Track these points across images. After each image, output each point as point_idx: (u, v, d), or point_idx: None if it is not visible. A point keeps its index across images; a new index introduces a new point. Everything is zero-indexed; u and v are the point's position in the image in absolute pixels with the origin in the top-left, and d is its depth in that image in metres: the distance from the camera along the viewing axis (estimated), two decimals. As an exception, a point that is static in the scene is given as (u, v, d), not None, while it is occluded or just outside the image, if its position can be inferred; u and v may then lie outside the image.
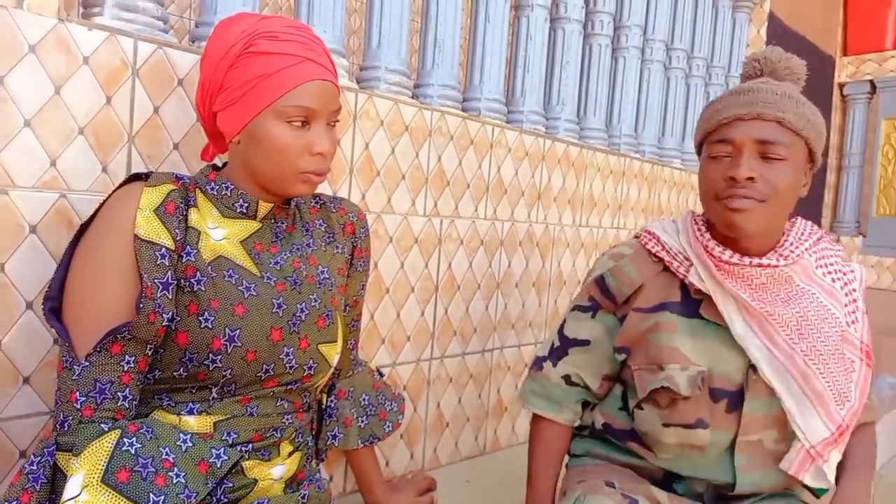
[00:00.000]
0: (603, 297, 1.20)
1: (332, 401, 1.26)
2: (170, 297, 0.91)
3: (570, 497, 1.09)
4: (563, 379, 1.23)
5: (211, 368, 0.94)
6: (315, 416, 1.21)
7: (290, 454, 1.05)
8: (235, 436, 0.97)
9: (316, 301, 1.05)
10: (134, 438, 0.81)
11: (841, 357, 1.10)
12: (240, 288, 0.96)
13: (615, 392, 1.24)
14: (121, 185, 0.95)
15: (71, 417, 0.86)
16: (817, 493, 1.22)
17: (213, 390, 0.96)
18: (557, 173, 2.00)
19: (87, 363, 0.87)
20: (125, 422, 0.84)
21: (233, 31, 0.95)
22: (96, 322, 0.88)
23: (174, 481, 0.82)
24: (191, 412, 0.95)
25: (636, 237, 1.21)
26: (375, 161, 1.48)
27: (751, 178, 1.03)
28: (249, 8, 1.27)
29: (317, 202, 1.16)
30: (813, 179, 1.15)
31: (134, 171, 1.09)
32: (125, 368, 0.89)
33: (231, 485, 0.97)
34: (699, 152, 1.16)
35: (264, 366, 0.98)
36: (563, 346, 1.24)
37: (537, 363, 1.26)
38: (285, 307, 1.00)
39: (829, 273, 1.14)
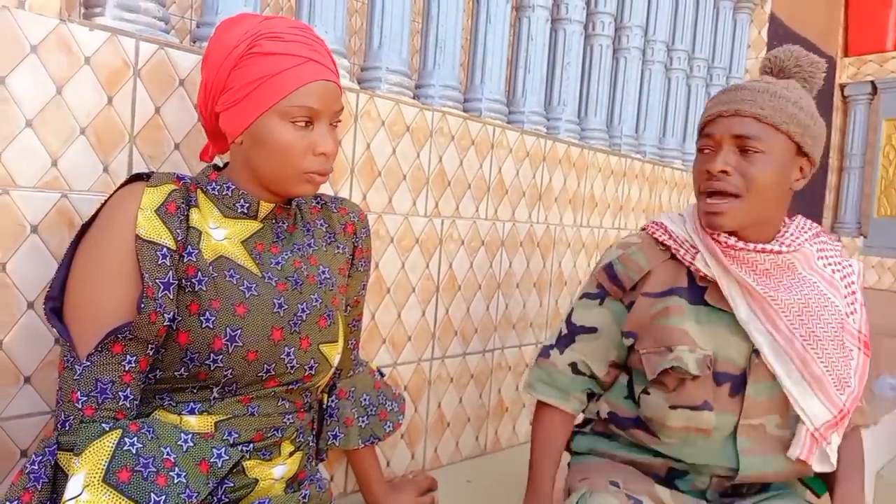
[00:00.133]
0: (611, 283, 1.22)
1: (332, 401, 1.26)
2: (171, 297, 0.91)
3: (574, 496, 1.09)
4: (569, 367, 1.25)
5: (212, 368, 0.94)
6: (316, 416, 1.21)
7: (291, 454, 1.05)
8: (236, 435, 0.97)
9: (317, 301, 1.05)
10: (135, 438, 0.81)
11: (840, 344, 1.13)
12: (241, 288, 0.97)
13: (620, 381, 1.25)
14: (122, 186, 0.95)
15: (72, 417, 0.86)
16: (818, 493, 1.22)
17: (215, 390, 0.96)
18: (558, 174, 2.00)
19: (89, 363, 0.87)
20: (126, 421, 0.84)
21: (236, 31, 0.95)
22: (97, 322, 0.88)
23: (175, 481, 0.82)
24: (192, 412, 0.95)
25: (643, 228, 1.25)
26: (376, 161, 1.48)
27: (724, 172, 1.09)
28: (251, 8, 1.27)
29: (318, 202, 1.16)
30: (812, 177, 1.17)
31: (135, 171, 1.09)
32: (126, 368, 0.89)
33: (232, 484, 0.97)
34: None
35: (265, 366, 0.98)
36: (570, 333, 1.26)
37: (544, 352, 1.28)
38: (286, 307, 1.00)
39: (830, 265, 1.18)
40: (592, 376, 1.25)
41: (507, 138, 1.81)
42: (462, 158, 1.69)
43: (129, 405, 0.90)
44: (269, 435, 1.01)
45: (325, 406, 1.26)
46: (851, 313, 1.16)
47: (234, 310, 0.95)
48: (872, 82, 4.19)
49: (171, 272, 0.91)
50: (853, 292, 1.18)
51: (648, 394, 1.17)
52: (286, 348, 1.00)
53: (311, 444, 1.14)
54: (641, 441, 1.21)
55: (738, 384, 1.13)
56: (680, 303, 1.15)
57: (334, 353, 1.08)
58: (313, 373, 1.05)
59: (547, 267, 2.01)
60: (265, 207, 1.02)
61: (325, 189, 1.36)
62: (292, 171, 0.97)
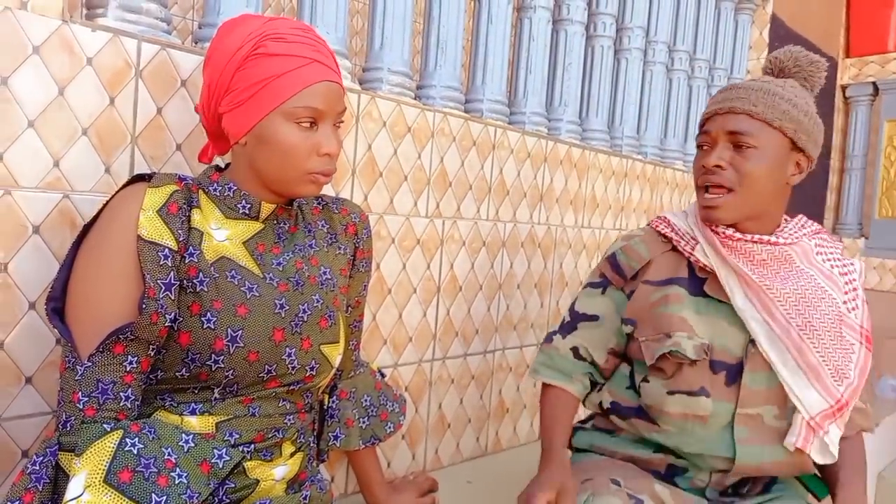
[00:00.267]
0: (613, 273, 1.28)
1: (333, 401, 1.26)
2: (172, 297, 0.91)
3: (578, 498, 1.09)
4: (571, 351, 1.29)
5: (213, 369, 0.94)
6: (317, 417, 1.21)
7: (292, 455, 1.06)
8: (237, 436, 0.97)
9: (318, 302, 1.05)
10: (136, 439, 0.81)
11: (838, 336, 1.14)
12: (242, 289, 0.97)
13: (623, 371, 1.28)
14: (124, 186, 0.95)
15: (73, 417, 0.86)
16: (819, 496, 1.22)
17: (216, 391, 0.96)
18: (559, 174, 2.00)
19: (90, 363, 0.87)
20: (127, 422, 0.84)
21: (239, 32, 0.95)
22: (99, 322, 0.88)
23: (176, 482, 0.82)
24: (193, 412, 0.95)
25: (648, 224, 1.31)
26: (378, 162, 1.49)
27: (718, 166, 1.14)
28: (252, 9, 1.28)
29: (319, 203, 1.16)
30: (813, 177, 1.19)
31: (137, 171, 1.09)
32: (128, 369, 0.89)
33: (233, 485, 0.97)
34: None
35: (266, 366, 0.98)
36: (573, 320, 1.31)
37: (548, 338, 1.33)
38: (287, 308, 1.00)
39: (829, 260, 1.21)
40: (593, 363, 1.29)
41: (508, 139, 1.81)
42: (463, 159, 1.69)
43: (130, 406, 0.90)
44: (270, 436, 1.01)
45: (326, 407, 1.26)
46: (852, 309, 1.18)
47: (236, 310, 0.95)
48: (874, 83, 4.19)
49: (172, 273, 0.91)
50: (854, 289, 1.20)
51: (648, 382, 1.20)
52: (287, 349, 1.00)
53: (311, 444, 1.14)
54: (641, 431, 1.22)
55: (735, 373, 1.15)
56: (679, 292, 1.19)
57: (335, 354, 1.08)
58: (314, 373, 1.05)
59: (548, 268, 2.01)
60: (267, 208, 1.02)
61: (327, 190, 1.36)
62: (297, 171, 0.97)
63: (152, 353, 0.92)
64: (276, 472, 1.03)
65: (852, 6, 4.22)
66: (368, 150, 1.46)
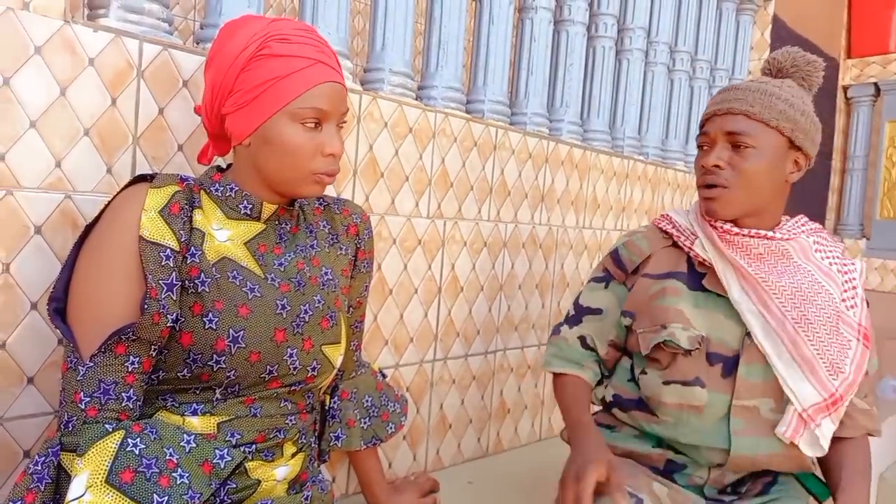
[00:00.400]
0: (616, 267, 1.31)
1: (335, 402, 1.26)
2: (174, 298, 0.91)
3: None
4: (578, 340, 1.32)
5: (215, 369, 0.94)
6: (318, 418, 1.21)
7: (294, 455, 1.06)
8: (239, 436, 0.97)
9: (319, 302, 1.05)
10: (138, 439, 0.81)
11: (834, 330, 1.16)
12: (244, 289, 0.97)
13: (624, 365, 1.31)
14: (125, 187, 0.95)
15: (75, 418, 0.86)
16: (820, 499, 1.22)
17: (217, 391, 0.96)
18: (561, 175, 2.00)
19: (92, 364, 0.87)
20: (129, 422, 0.85)
21: (243, 34, 0.95)
22: (101, 323, 0.88)
23: (178, 482, 0.82)
24: (194, 413, 0.96)
25: (651, 221, 1.35)
26: (379, 163, 1.49)
27: (717, 166, 1.17)
28: (254, 10, 1.28)
29: (321, 203, 1.16)
30: (814, 177, 1.20)
31: (139, 172, 1.09)
32: (129, 369, 0.89)
33: (234, 486, 0.97)
34: None
35: (268, 367, 0.98)
36: (577, 313, 1.35)
37: (555, 329, 1.37)
38: (289, 308, 1.00)
39: (827, 258, 1.23)
40: (598, 353, 1.32)
41: (509, 140, 1.81)
42: (465, 160, 1.69)
43: (132, 406, 0.90)
44: (271, 436, 1.01)
45: (327, 407, 1.26)
46: (851, 307, 1.19)
47: (237, 311, 0.95)
48: (875, 84, 4.19)
49: (174, 273, 0.91)
50: (854, 287, 1.21)
51: (646, 373, 1.22)
52: (289, 349, 1.00)
53: (313, 445, 1.14)
54: (641, 423, 1.24)
55: (731, 365, 1.17)
56: (677, 285, 1.22)
57: (337, 355, 1.09)
58: (316, 374, 1.05)
59: (549, 268, 2.01)
60: (268, 209, 1.02)
61: (328, 190, 1.36)
62: (301, 172, 0.97)
63: (154, 354, 0.92)
64: (278, 473, 1.03)
65: (854, 7, 4.22)
66: (370, 151, 1.46)
